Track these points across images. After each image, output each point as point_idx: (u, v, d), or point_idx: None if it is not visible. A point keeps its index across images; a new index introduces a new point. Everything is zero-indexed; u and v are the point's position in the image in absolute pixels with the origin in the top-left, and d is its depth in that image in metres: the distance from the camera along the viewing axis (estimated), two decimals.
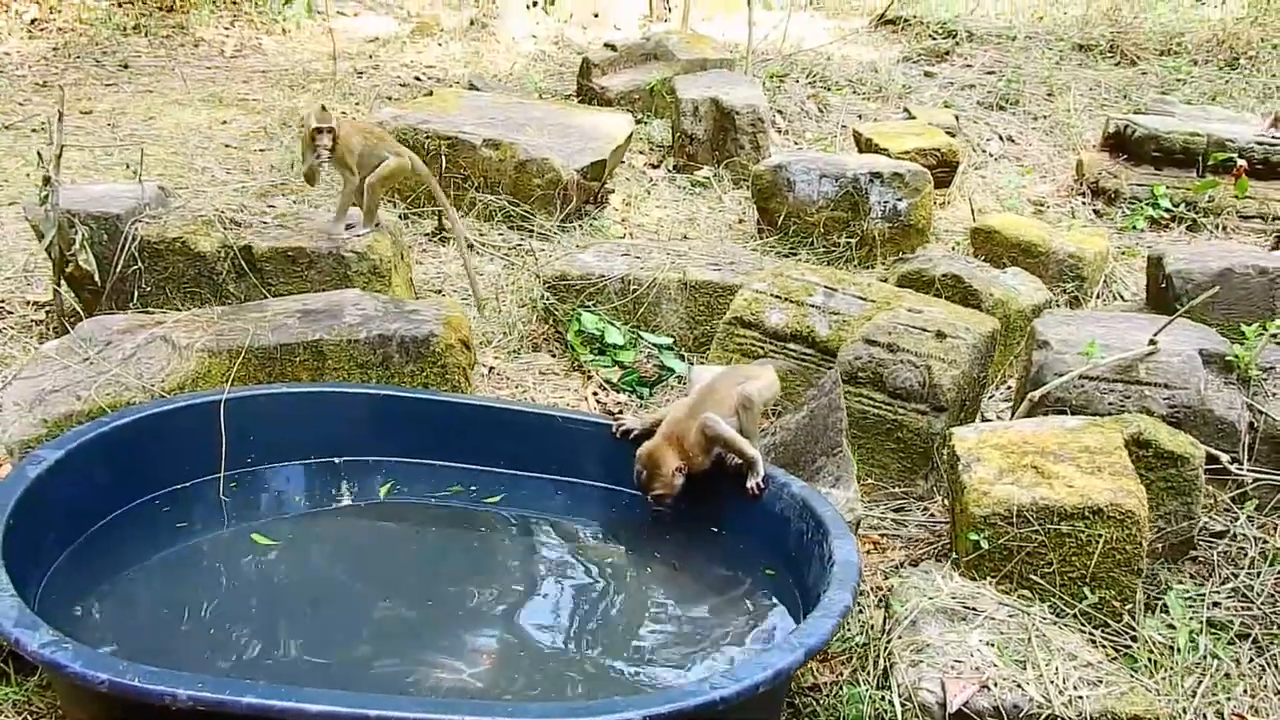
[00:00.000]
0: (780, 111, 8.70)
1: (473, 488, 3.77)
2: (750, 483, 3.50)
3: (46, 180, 4.37)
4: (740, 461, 3.57)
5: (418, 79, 9.24)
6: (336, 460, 3.79)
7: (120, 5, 10.08)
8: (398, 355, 4.08)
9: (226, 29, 10.37)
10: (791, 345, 4.47)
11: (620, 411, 4.53)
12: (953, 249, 6.41)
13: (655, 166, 7.58)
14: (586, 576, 3.47)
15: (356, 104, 8.29)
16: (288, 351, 3.99)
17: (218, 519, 3.53)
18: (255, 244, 4.69)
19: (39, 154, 4.43)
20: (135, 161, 5.30)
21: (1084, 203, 7.49)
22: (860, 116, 8.75)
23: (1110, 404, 3.97)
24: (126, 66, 8.97)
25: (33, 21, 9.43)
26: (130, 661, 2.46)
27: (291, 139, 7.24)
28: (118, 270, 4.63)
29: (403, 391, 3.98)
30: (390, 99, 8.39)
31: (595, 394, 4.77)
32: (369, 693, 2.68)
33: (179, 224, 4.74)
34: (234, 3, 10.76)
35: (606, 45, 8.99)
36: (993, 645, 2.90)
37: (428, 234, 5.98)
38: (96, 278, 4.58)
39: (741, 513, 3.55)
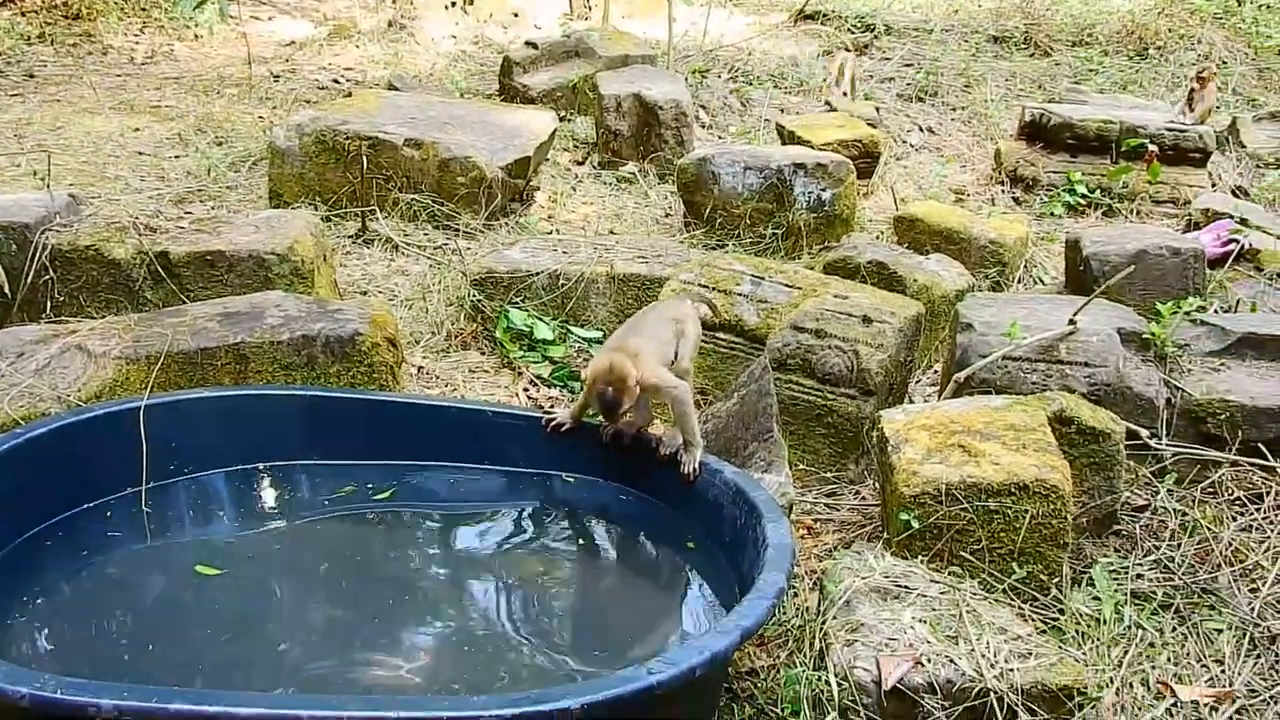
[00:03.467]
0: (703, 106, 8.74)
1: (400, 485, 3.71)
2: (687, 467, 3.47)
3: None
4: (663, 445, 3.58)
5: (336, 81, 9.12)
6: (260, 466, 3.71)
7: (24, 14, 9.81)
8: (323, 355, 4.01)
9: (136, 36, 10.14)
10: (720, 334, 4.48)
11: (552, 407, 4.51)
12: (877, 238, 6.48)
13: (580, 163, 7.56)
14: (519, 566, 3.44)
15: (274, 107, 8.16)
16: (209, 356, 3.90)
17: (140, 532, 3.42)
18: (172, 249, 4.59)
19: None
20: (43, 170, 5.16)
21: (1003, 190, 7.63)
22: (782, 110, 8.81)
23: (1033, 383, 4.04)
24: (32, 76, 8.72)
25: None
26: (53, 674, 2.38)
27: (207, 145, 7.10)
28: (28, 280, 4.51)
29: (329, 391, 3.92)
30: (309, 102, 8.26)
31: (526, 390, 4.74)
32: (302, 694, 2.63)
33: (91, 232, 4.63)
34: (143, 9, 10.52)
35: (528, 44, 8.96)
36: (925, 622, 2.93)
37: (351, 236, 5.90)
38: (6, 289, 4.46)
39: (674, 498, 3.54)
